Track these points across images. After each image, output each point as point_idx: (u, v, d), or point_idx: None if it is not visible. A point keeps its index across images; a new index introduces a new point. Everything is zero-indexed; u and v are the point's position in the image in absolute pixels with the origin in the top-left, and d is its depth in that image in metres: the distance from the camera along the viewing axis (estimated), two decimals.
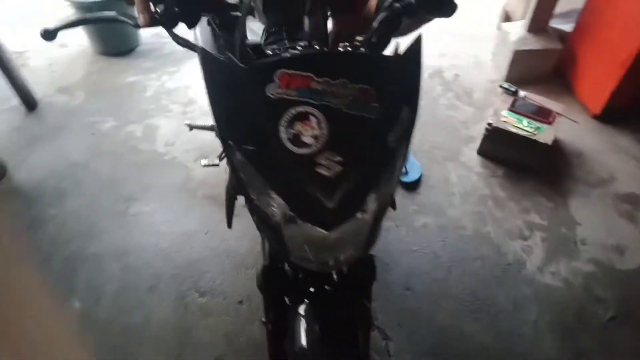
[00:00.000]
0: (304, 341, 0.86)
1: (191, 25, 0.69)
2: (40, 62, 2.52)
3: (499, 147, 1.97)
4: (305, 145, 0.61)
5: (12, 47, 2.54)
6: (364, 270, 0.94)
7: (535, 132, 1.86)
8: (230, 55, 0.66)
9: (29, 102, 2.16)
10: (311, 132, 0.61)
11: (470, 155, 2.05)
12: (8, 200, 1.83)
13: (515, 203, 1.86)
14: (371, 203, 0.67)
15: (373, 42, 0.71)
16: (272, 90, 0.61)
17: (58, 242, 1.69)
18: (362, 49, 0.71)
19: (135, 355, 1.42)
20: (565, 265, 1.64)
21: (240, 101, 0.63)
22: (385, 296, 1.58)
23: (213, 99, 0.65)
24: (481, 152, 2.04)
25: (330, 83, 0.61)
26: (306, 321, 0.88)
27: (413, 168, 1.96)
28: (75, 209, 1.80)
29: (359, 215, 0.66)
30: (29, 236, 1.71)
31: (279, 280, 0.91)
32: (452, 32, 2.77)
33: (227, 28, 0.72)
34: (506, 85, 2.04)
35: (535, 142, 1.84)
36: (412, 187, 1.92)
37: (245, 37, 0.69)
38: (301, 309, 0.90)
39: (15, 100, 2.16)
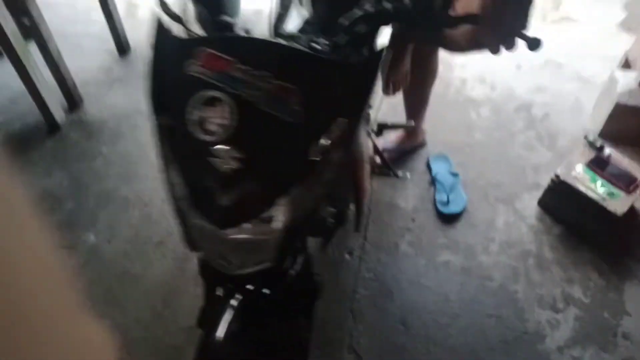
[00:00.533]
0: (220, 333, 0.82)
1: None
2: (146, 16, 2.73)
3: (562, 203, 1.73)
4: (209, 132, 0.57)
5: None
6: (303, 286, 0.87)
7: (606, 198, 1.60)
8: (179, 26, 0.64)
9: (122, 49, 2.36)
10: (218, 120, 0.56)
11: (529, 203, 1.83)
12: (73, 129, 2.02)
13: (560, 269, 1.62)
14: (279, 211, 0.61)
15: (340, 43, 0.64)
16: (191, 68, 0.58)
17: (98, 177, 1.83)
18: (323, 49, 0.64)
19: (123, 301, 1.49)
20: (593, 355, 1.40)
21: (166, 72, 0.61)
22: (376, 324, 1.48)
23: (149, 64, 0.64)
24: (542, 203, 1.81)
25: (251, 73, 0.56)
26: (232, 316, 0.84)
27: (457, 200, 1.80)
28: (124, 151, 1.93)
29: (263, 221, 0.61)
30: (77, 165, 1.87)
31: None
32: (560, 68, 2.48)
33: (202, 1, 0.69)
34: (591, 137, 1.78)
35: (602, 209, 1.58)
36: (450, 219, 1.76)
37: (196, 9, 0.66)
38: (233, 302, 0.86)
39: (111, 44, 2.36)
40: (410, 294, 1.56)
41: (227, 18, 0.69)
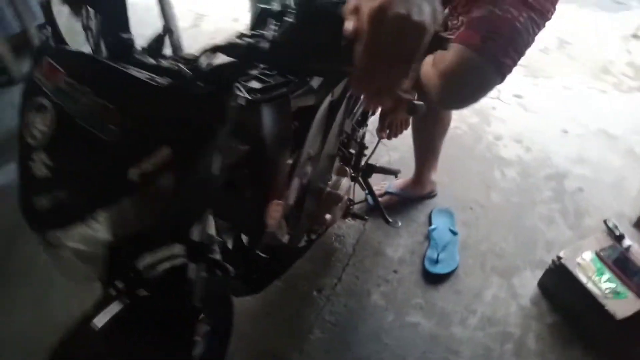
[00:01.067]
0: (98, 323, 0.81)
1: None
2: (209, 28, 2.91)
3: (560, 289, 1.56)
4: (32, 137, 0.60)
5: (196, 8, 2.99)
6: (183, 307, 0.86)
7: (608, 296, 1.41)
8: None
9: None
10: (41, 126, 0.59)
11: (528, 282, 1.66)
12: None
13: None
14: (100, 225, 0.61)
15: (201, 70, 0.63)
16: (37, 74, 0.61)
17: None
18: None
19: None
20: None
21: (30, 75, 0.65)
22: None
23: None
24: (542, 285, 1.64)
25: (75, 87, 0.58)
26: (114, 313, 0.84)
27: (447, 260, 1.68)
28: None
29: (83, 231, 0.62)
30: None
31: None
32: (612, 140, 2.25)
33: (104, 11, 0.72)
34: (611, 224, 1.58)
35: (600, 308, 1.39)
36: (434, 279, 1.65)
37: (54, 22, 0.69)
38: (120, 302, 0.85)
39: (167, 51, 2.54)
40: (367, 348, 1.47)
41: (127, 36, 0.71)
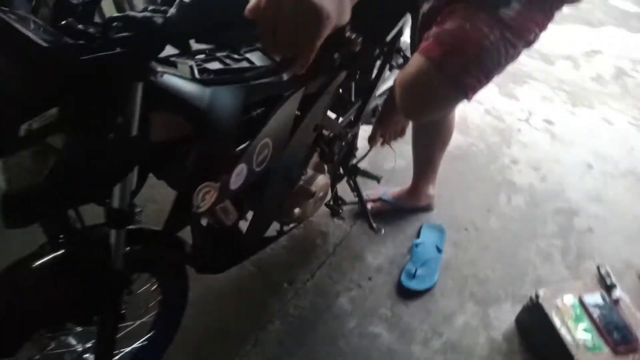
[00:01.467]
0: (38, 265, 0.85)
1: None
2: None
3: (534, 329, 1.47)
4: None
5: None
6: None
7: (580, 346, 1.31)
8: None
9: None
10: None
11: (506, 316, 1.58)
12: None
13: None
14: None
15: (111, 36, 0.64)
16: None
17: None
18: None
19: None
20: None
21: None
22: None
23: None
24: (518, 321, 1.55)
25: None
26: (54, 259, 0.87)
27: (424, 277, 1.62)
28: None
29: None
30: None
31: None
32: None
33: None
34: (604, 270, 1.47)
35: (569, 358, 1.30)
36: (407, 294, 1.60)
37: None
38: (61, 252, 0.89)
39: None
40: (321, 349, 1.45)
41: (75, 1, 0.72)
